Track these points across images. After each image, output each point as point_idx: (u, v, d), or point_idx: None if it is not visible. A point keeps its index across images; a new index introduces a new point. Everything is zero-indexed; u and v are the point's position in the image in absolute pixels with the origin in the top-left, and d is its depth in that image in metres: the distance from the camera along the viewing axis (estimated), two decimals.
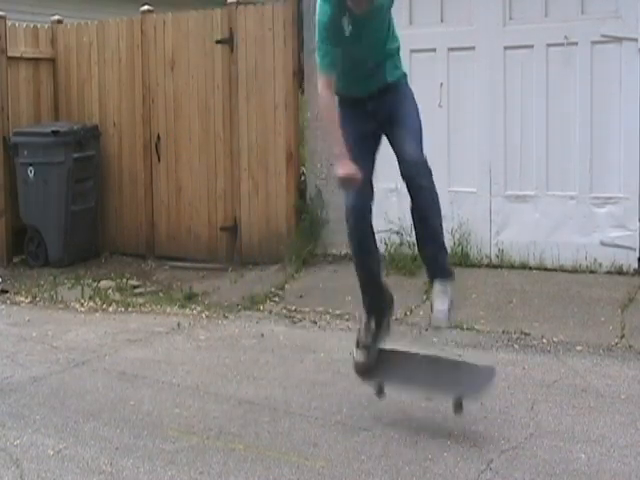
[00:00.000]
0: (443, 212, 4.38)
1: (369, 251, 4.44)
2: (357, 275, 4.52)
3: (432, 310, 4.33)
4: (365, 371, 4.51)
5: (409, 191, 4.30)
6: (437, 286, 4.35)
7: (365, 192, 4.29)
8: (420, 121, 4.40)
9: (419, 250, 4.50)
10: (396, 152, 4.33)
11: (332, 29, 4.21)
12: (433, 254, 4.40)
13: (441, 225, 4.40)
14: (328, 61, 4.26)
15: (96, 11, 11.14)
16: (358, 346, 4.54)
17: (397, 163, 4.30)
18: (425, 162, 4.27)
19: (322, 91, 4.29)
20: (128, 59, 8.87)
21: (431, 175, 4.28)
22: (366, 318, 4.54)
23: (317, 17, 4.29)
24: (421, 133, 4.36)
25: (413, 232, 4.46)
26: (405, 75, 4.53)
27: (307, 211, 8.05)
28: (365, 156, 4.34)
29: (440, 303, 4.31)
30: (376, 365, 4.49)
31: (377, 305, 4.56)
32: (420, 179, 4.25)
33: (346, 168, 4.08)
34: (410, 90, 4.52)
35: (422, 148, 4.32)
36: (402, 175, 4.27)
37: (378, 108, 4.40)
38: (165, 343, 6.02)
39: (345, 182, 4.11)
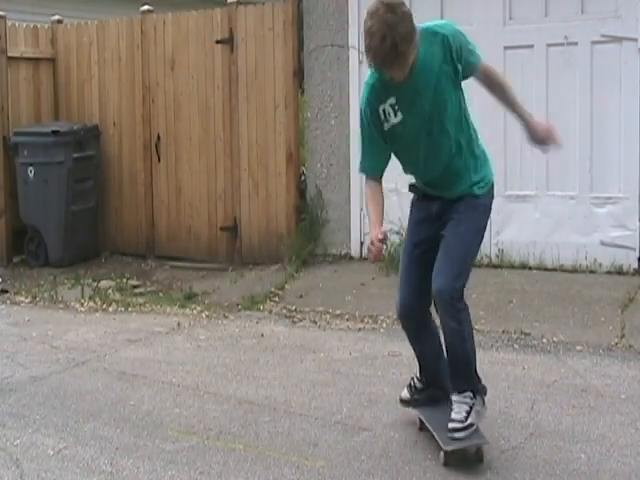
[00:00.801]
0: None
1: (416, 338, 4.24)
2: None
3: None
4: (406, 405, 4.38)
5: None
6: (454, 397, 3.97)
7: (417, 293, 4.09)
8: (474, 244, 4.03)
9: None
10: (434, 269, 3.97)
11: (376, 121, 3.87)
12: (455, 384, 4.00)
13: (469, 366, 3.96)
14: (368, 164, 3.99)
15: (96, 11, 11.14)
16: (408, 385, 4.39)
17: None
18: (452, 299, 3.86)
19: (366, 182, 4.06)
20: (128, 59, 8.87)
21: (460, 312, 3.90)
22: (418, 370, 4.35)
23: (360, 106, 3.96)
24: (466, 260, 3.98)
25: None
26: (490, 187, 4.05)
27: (307, 211, 8.05)
28: (421, 262, 4.08)
29: (456, 412, 3.90)
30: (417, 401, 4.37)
31: (427, 374, 4.30)
32: (444, 316, 3.90)
33: (374, 235, 3.77)
34: (488, 201, 4.06)
35: (459, 279, 3.92)
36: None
37: (445, 211, 4.01)
38: (165, 343, 6.02)
39: (371, 249, 3.78)
